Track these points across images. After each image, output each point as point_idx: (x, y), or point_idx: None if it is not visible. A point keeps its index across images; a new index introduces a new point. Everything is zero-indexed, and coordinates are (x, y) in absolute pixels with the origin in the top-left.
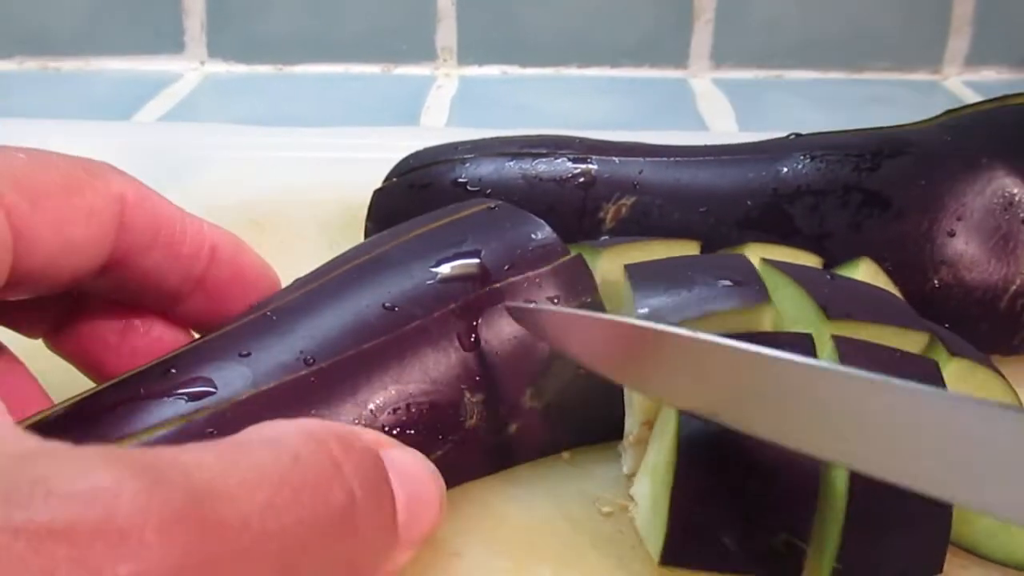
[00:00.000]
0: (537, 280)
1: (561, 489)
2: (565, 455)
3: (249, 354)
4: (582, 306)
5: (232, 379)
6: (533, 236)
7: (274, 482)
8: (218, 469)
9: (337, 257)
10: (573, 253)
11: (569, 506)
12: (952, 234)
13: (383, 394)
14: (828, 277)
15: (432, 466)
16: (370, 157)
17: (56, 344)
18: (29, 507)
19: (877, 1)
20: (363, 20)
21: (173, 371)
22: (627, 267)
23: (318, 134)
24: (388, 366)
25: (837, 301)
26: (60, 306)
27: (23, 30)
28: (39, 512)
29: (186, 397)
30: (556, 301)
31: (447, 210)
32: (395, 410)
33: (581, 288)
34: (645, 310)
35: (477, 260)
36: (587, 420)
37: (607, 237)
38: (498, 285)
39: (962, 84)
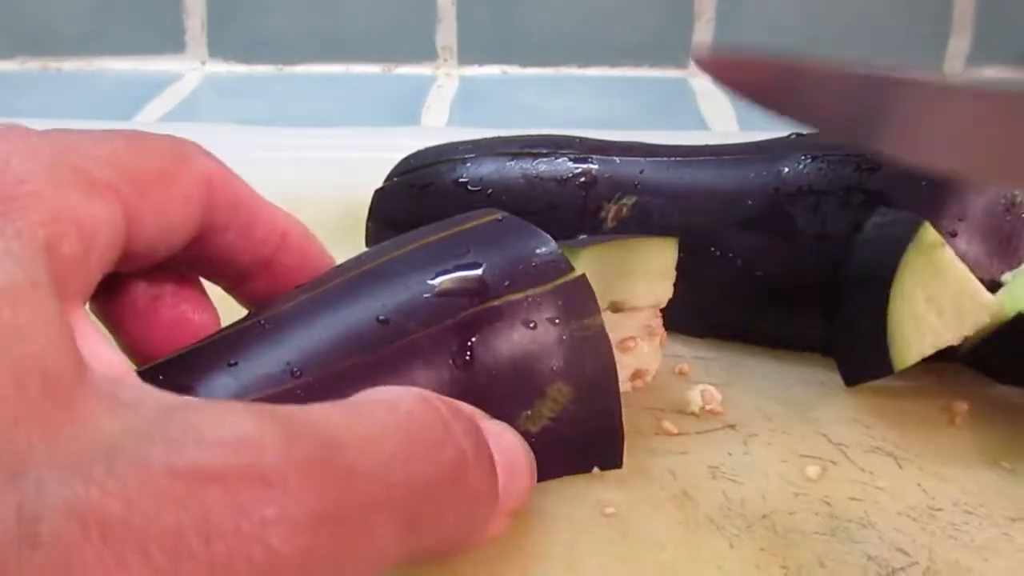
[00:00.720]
0: (537, 299)
1: (563, 490)
2: None
3: (236, 364)
4: (582, 329)
5: (214, 389)
6: (537, 251)
7: (395, 437)
8: (344, 424)
9: (339, 265)
10: (577, 272)
11: (571, 507)
12: (954, 235)
13: None
14: None
15: (523, 440)
16: (370, 157)
17: (98, 308)
18: (184, 452)
19: (878, 1)
20: (363, 20)
21: (161, 378)
22: None
23: (318, 134)
24: (377, 382)
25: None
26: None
27: (25, 30)
28: (194, 457)
29: None
30: (556, 323)
31: (452, 220)
32: None
33: (583, 310)
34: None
35: (477, 274)
36: (584, 447)
37: (585, 236)
38: (496, 303)
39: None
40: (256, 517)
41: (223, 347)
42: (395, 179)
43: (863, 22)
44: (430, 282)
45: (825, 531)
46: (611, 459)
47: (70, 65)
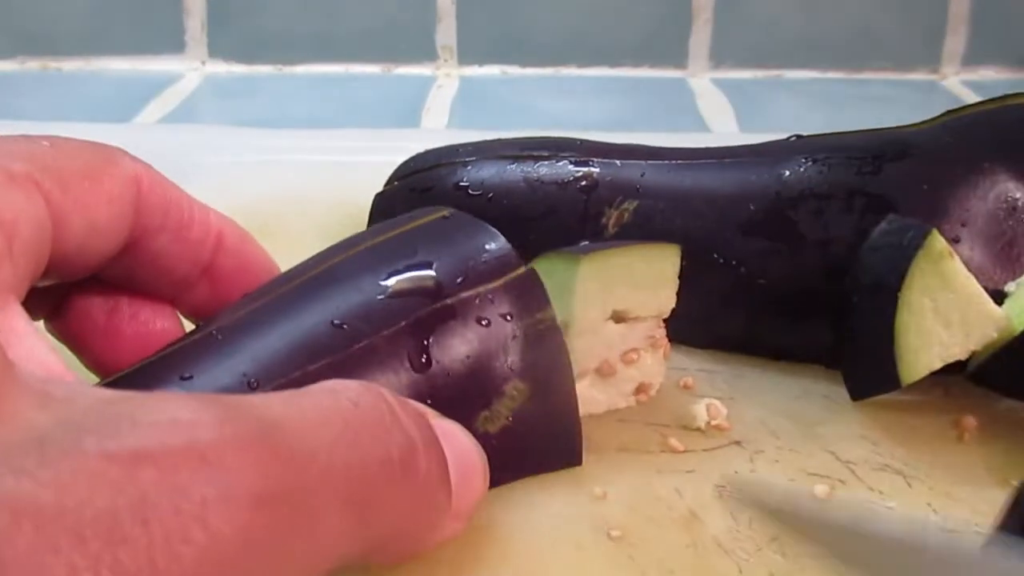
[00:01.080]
0: (489, 296)
1: (568, 511)
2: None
3: (191, 377)
4: (536, 323)
5: None
6: (487, 247)
7: (337, 422)
8: (284, 409)
9: (287, 271)
10: (526, 267)
11: (576, 530)
12: (957, 240)
13: None
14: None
15: (476, 442)
16: (370, 160)
17: (54, 326)
18: (117, 436)
19: (876, 1)
20: (363, 20)
21: None
22: None
23: (317, 136)
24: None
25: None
26: (60, 288)
27: (25, 30)
28: (128, 440)
29: None
30: (509, 319)
31: (399, 220)
32: None
33: (534, 304)
34: None
35: (429, 273)
36: (545, 446)
37: (586, 243)
38: (449, 301)
39: (960, 83)
40: (195, 497)
41: (175, 360)
42: (395, 183)
43: (860, 22)
44: (382, 283)
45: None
46: (571, 457)
47: (70, 65)
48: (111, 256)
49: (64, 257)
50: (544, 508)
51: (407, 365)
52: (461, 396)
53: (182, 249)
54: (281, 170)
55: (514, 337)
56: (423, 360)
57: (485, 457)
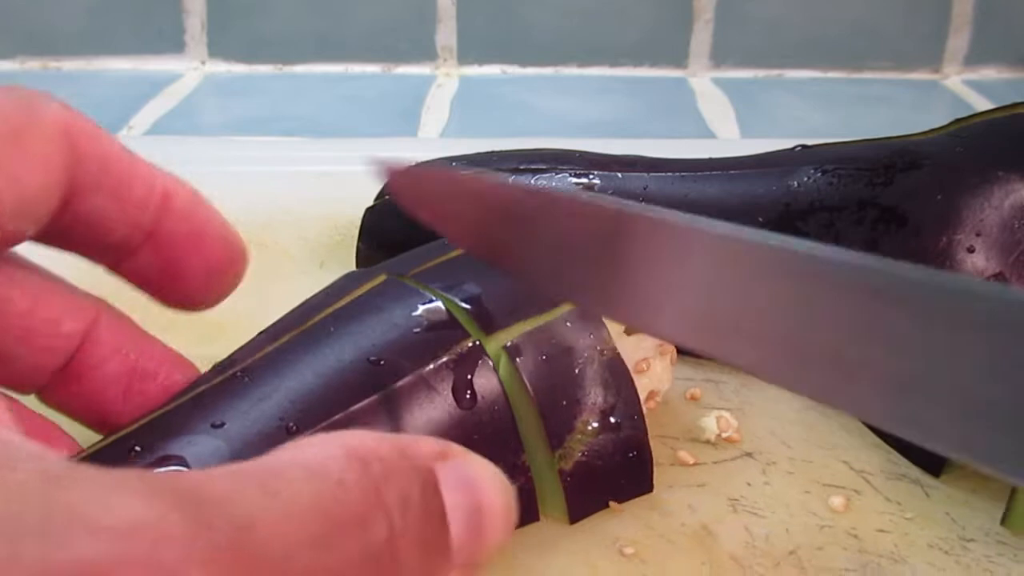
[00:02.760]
0: (545, 328)
1: (579, 530)
2: None
3: (223, 424)
4: (599, 353)
5: (205, 455)
6: None
7: (317, 516)
8: (259, 502)
9: (303, 304)
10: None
11: (589, 547)
12: (972, 250)
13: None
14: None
15: (499, 474)
16: (361, 170)
17: (52, 397)
18: (66, 543)
19: (877, 1)
20: (363, 20)
21: (137, 449)
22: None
23: (310, 146)
24: (380, 428)
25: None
26: (56, 354)
27: (24, 30)
28: (79, 549)
29: None
30: (569, 351)
31: (432, 248)
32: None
33: (595, 333)
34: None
35: (471, 306)
36: (618, 477)
37: None
38: (498, 333)
39: (962, 83)
40: None
41: (204, 406)
42: (386, 197)
43: (862, 22)
44: (415, 315)
45: (855, 567)
46: (644, 485)
47: (70, 65)
48: (44, 223)
49: None
50: (554, 527)
51: (451, 401)
52: (510, 431)
53: (121, 209)
54: (273, 181)
55: (578, 369)
56: (467, 396)
57: (509, 492)
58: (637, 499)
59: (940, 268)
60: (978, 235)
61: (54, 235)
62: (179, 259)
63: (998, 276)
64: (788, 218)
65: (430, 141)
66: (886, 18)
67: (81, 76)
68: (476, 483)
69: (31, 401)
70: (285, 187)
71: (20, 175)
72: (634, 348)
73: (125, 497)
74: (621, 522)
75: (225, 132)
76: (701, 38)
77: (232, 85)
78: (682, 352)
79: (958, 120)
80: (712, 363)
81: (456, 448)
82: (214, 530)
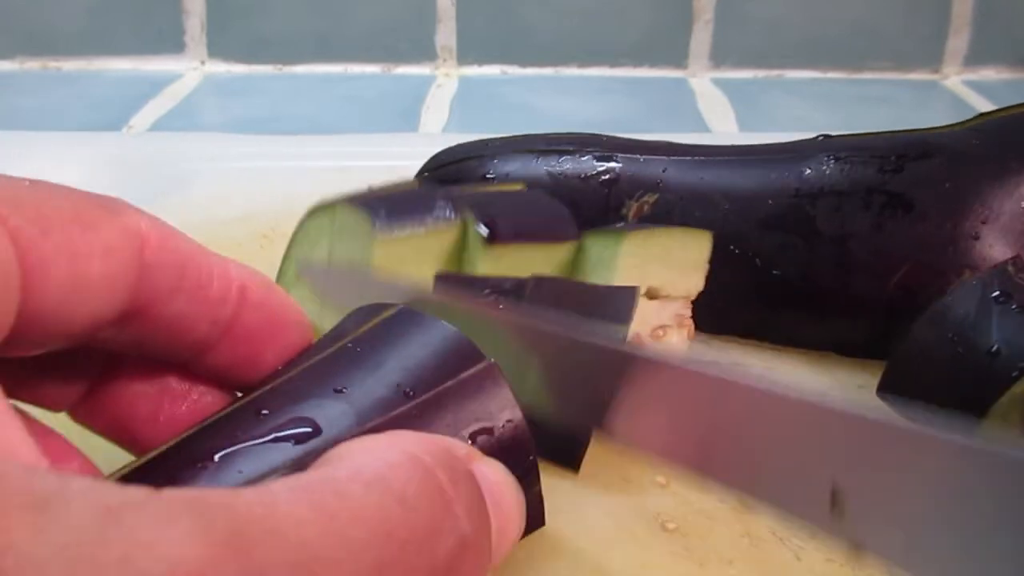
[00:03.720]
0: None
1: (618, 509)
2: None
3: (343, 390)
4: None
5: (335, 418)
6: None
7: (381, 537)
8: (319, 527)
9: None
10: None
11: (631, 525)
12: (976, 237)
13: (478, 421)
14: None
15: (511, 475)
16: (368, 165)
17: (84, 416)
18: None
19: (877, 1)
20: (363, 20)
21: (265, 412)
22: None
23: (314, 143)
24: (480, 393)
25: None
26: (88, 373)
27: (24, 30)
28: None
29: (292, 440)
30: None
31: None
32: (479, 433)
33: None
34: None
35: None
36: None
37: (622, 224)
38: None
39: (961, 83)
40: None
41: (321, 374)
42: (426, 174)
43: (862, 22)
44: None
45: None
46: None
47: (70, 65)
48: (109, 320)
49: (42, 315)
50: (596, 505)
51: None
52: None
53: (201, 310)
54: (279, 177)
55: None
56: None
57: (522, 498)
58: (675, 477)
59: (943, 253)
60: (984, 223)
61: (130, 339)
62: (255, 347)
63: (1014, 260)
64: (798, 202)
65: (433, 136)
66: (886, 18)
67: (81, 76)
68: (499, 486)
69: (32, 410)
70: (294, 183)
71: (81, 255)
72: (653, 313)
73: (170, 530)
74: (660, 497)
75: (225, 132)
76: (701, 38)
77: (232, 85)
78: (700, 328)
79: (981, 115)
80: (728, 343)
81: (475, 451)
82: (265, 569)
